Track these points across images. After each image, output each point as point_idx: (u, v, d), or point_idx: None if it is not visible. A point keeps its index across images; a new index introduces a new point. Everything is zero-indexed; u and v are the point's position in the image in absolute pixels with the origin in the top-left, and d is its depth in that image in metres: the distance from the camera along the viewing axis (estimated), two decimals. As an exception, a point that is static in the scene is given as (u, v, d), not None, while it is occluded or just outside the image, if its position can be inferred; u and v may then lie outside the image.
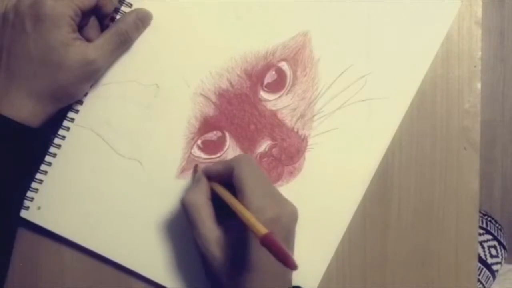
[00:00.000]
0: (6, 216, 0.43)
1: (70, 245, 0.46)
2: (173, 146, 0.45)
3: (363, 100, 0.46)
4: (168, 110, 0.45)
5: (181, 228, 0.46)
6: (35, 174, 0.44)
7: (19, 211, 0.45)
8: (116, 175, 0.45)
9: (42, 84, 0.40)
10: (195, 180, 0.44)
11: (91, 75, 0.42)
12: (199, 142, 0.45)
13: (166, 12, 0.44)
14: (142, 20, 0.43)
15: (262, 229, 0.33)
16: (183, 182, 0.46)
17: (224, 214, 0.41)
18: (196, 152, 0.45)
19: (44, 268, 0.47)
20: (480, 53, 0.47)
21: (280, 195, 0.42)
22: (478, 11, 0.47)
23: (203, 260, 0.41)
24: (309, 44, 0.46)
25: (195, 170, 0.45)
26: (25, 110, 0.40)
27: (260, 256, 0.38)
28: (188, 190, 0.43)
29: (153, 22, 0.44)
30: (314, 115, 0.46)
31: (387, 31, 0.46)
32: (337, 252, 0.47)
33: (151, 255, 0.46)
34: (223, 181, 0.41)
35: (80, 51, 0.39)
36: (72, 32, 0.39)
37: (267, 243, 0.32)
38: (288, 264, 0.31)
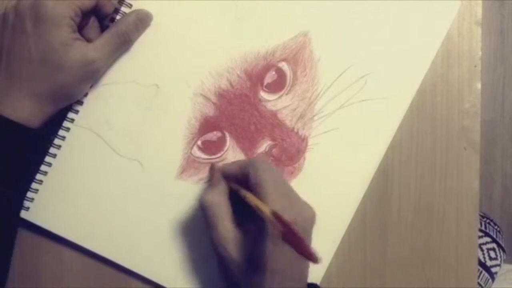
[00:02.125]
0: (6, 217, 0.43)
1: (70, 245, 0.46)
2: (173, 146, 0.45)
3: (363, 100, 0.46)
4: (168, 111, 0.45)
5: (180, 228, 0.46)
6: (35, 174, 0.44)
7: (19, 212, 0.45)
8: (116, 175, 0.45)
9: (42, 85, 0.39)
10: (212, 180, 0.44)
11: (91, 76, 0.42)
12: (199, 142, 0.45)
13: (166, 12, 0.44)
14: (142, 21, 0.43)
15: (285, 222, 0.33)
16: (183, 182, 0.46)
17: (240, 215, 0.41)
18: (196, 152, 0.45)
19: (44, 268, 0.47)
20: (480, 53, 0.47)
21: (298, 198, 0.41)
22: (478, 11, 0.47)
23: (220, 261, 0.41)
24: (309, 44, 0.46)
25: (211, 169, 0.45)
26: (25, 110, 0.40)
27: (277, 258, 0.38)
28: (207, 190, 0.43)
29: (153, 22, 0.44)
30: (314, 115, 0.46)
31: (387, 31, 0.46)
32: (337, 252, 0.47)
33: (150, 255, 0.46)
34: (239, 181, 0.41)
35: (80, 51, 0.39)
36: (72, 33, 0.39)
37: (289, 236, 0.32)
38: (310, 257, 0.31)
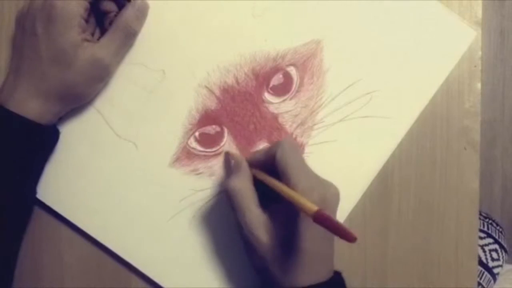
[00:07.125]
0: (19, 212, 0.43)
1: (70, 246, 0.46)
2: (170, 134, 0.45)
3: (365, 117, 0.46)
4: (170, 98, 0.45)
5: (166, 216, 0.46)
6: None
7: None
8: (111, 155, 0.45)
9: (50, 85, 0.40)
10: (236, 167, 0.43)
11: (100, 74, 0.42)
12: (196, 134, 0.45)
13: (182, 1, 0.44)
14: (141, 10, 0.43)
15: (313, 207, 0.33)
16: (175, 171, 0.46)
17: (266, 200, 0.41)
18: (193, 143, 0.45)
19: (44, 268, 0.47)
20: (480, 53, 0.47)
21: (320, 177, 0.41)
22: (478, 11, 0.47)
23: (249, 247, 0.41)
24: (320, 53, 0.46)
25: (226, 158, 0.45)
26: (32, 110, 0.40)
27: (309, 238, 0.38)
28: (231, 176, 0.42)
29: (168, 9, 0.44)
30: (314, 124, 0.46)
31: (400, 53, 0.46)
32: (337, 252, 0.47)
33: (131, 238, 0.46)
34: (264, 169, 0.41)
35: (89, 51, 0.40)
36: (81, 33, 0.40)
37: (321, 219, 0.32)
38: (347, 236, 0.31)
